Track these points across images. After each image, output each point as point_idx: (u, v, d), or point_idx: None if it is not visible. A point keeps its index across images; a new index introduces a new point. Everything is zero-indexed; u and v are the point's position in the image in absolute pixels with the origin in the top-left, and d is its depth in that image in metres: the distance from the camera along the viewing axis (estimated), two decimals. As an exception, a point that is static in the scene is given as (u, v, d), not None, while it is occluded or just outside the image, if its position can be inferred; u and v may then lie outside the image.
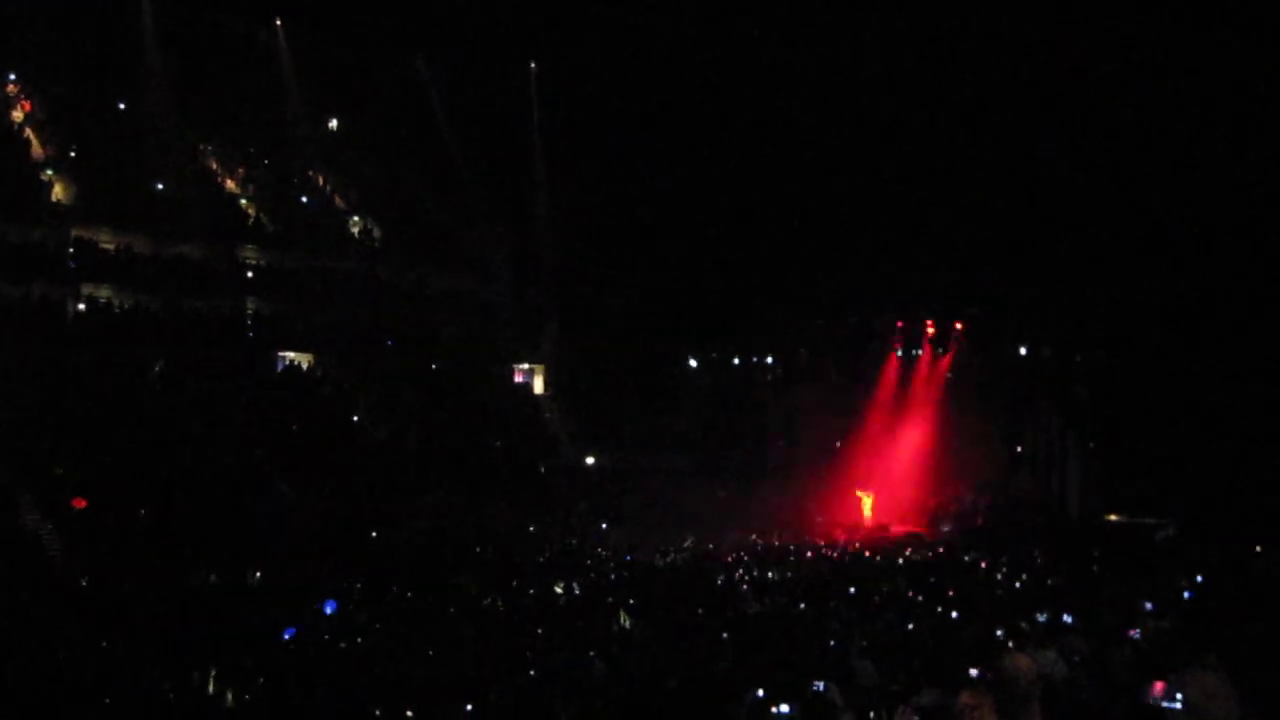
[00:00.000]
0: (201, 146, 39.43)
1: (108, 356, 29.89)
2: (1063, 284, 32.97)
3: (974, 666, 6.39)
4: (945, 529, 34.33)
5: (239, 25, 37.75)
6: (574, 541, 29.20)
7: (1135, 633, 9.05)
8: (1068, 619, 9.69)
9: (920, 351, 38.60)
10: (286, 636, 15.06)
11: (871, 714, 7.36)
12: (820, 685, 6.32)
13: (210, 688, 11.38)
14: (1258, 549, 20.54)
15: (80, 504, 19.00)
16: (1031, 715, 5.27)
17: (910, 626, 13.46)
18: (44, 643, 13.80)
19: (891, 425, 38.56)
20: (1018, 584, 19.30)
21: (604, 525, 32.21)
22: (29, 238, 31.87)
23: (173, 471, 26.35)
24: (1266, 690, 5.29)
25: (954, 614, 14.68)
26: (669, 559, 26.42)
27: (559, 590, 20.02)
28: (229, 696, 11.04)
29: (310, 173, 41.81)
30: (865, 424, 39.53)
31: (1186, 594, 13.93)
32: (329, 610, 16.88)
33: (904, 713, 6.23)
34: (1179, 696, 4.65)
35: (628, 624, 15.47)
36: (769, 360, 42.55)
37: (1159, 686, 4.76)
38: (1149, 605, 10.86)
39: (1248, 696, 4.92)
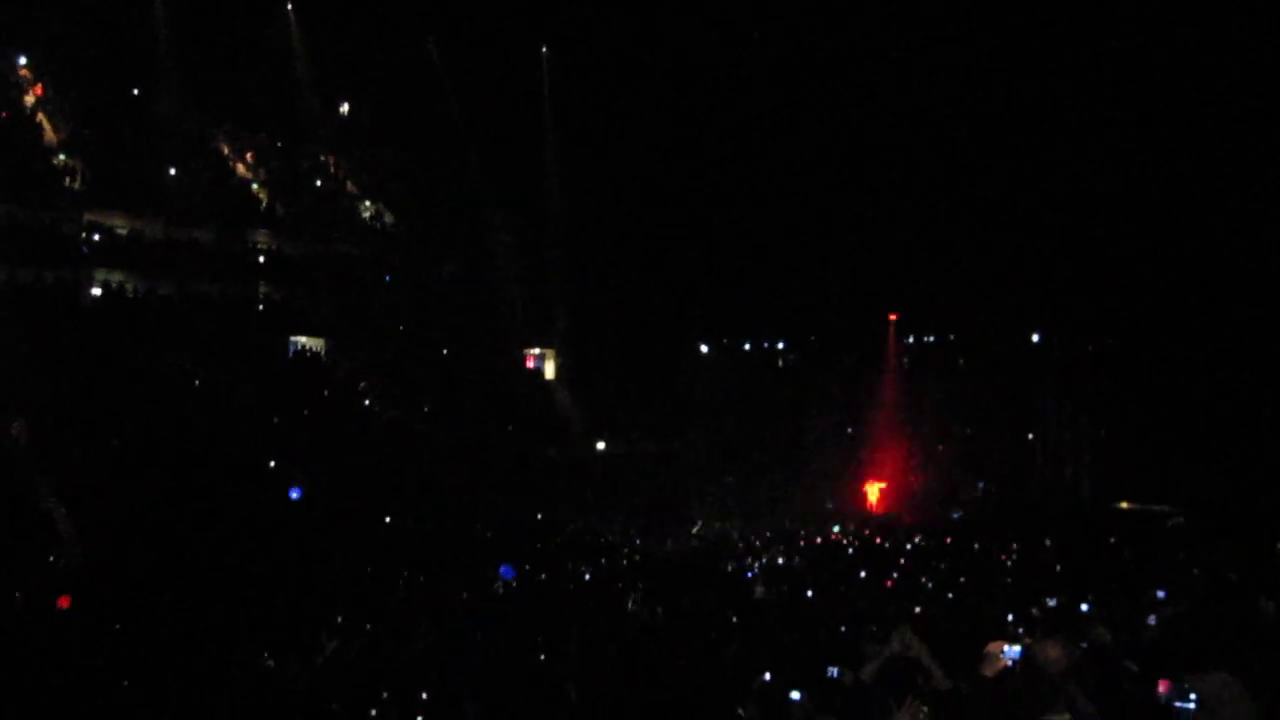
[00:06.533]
0: (213, 131, 39.41)
1: (120, 341, 29.91)
2: (1074, 273, 32.88)
3: (984, 652, 6.34)
4: (955, 516, 34.31)
5: (250, 9, 37.60)
6: (583, 527, 29.20)
7: (1152, 619, 8.99)
8: (1084, 608, 9.61)
9: (931, 339, 38.53)
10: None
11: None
12: (835, 671, 6.22)
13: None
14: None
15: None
16: (1061, 708, 5.12)
17: (918, 611, 13.43)
18: (56, 632, 13.79)
19: (902, 414, 38.48)
20: (1027, 570, 19.24)
21: (613, 511, 32.22)
22: (41, 221, 31.92)
23: (184, 456, 26.38)
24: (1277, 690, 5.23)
25: (964, 600, 14.65)
26: (678, 544, 26.42)
27: (569, 575, 20.02)
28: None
29: (322, 158, 41.77)
30: (876, 412, 39.48)
31: (1197, 584, 13.86)
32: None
33: (911, 702, 6.16)
34: (1193, 696, 4.60)
35: (637, 609, 15.48)
36: (780, 347, 42.46)
37: (1164, 685, 4.71)
38: (1160, 593, 10.79)
39: (1260, 696, 4.87)
